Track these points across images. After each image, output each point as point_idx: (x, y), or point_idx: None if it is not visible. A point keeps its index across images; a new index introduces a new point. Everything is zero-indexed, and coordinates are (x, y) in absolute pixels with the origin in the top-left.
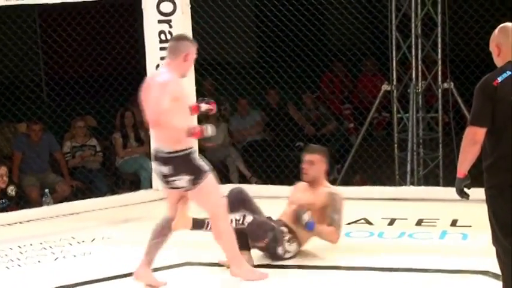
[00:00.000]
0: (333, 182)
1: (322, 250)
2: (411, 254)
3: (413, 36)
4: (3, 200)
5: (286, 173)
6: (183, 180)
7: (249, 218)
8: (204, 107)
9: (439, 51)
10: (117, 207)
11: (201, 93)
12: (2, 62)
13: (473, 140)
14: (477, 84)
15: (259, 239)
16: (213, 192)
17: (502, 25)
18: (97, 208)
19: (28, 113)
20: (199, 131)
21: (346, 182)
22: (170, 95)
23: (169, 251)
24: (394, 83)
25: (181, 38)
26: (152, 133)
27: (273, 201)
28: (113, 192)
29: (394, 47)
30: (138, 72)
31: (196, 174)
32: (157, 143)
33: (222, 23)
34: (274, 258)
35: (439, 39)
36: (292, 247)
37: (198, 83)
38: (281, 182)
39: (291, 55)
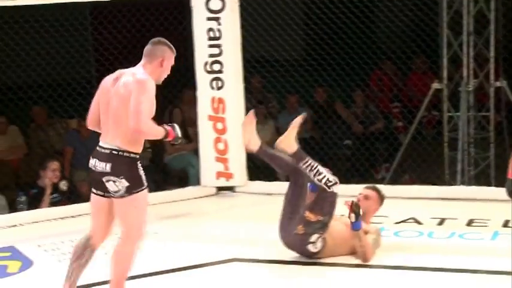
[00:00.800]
0: (381, 181)
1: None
2: (461, 255)
3: (465, 33)
4: (56, 195)
5: (333, 171)
6: (119, 183)
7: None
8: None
9: (492, 48)
10: (165, 203)
11: (248, 91)
12: (54, 59)
13: None
14: None
15: (317, 210)
16: (142, 211)
17: None
18: None
19: (79, 109)
20: (170, 130)
21: (394, 181)
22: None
23: (217, 247)
24: (445, 81)
25: (159, 42)
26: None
27: None
28: (161, 188)
29: (445, 45)
30: (187, 69)
31: (135, 183)
32: (110, 138)
33: (270, 20)
34: (299, 247)
35: (492, 37)
36: (319, 244)
37: (246, 80)
38: None
39: (340, 53)
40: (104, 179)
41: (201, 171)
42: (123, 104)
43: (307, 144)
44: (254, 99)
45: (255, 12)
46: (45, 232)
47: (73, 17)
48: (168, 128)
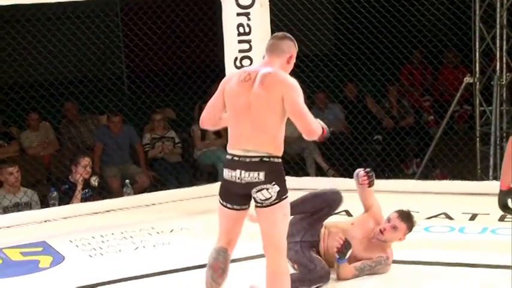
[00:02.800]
0: (412, 176)
1: (401, 245)
2: (493, 250)
3: (498, 26)
4: (87, 190)
5: (364, 166)
6: (271, 190)
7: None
8: None
9: None
10: (195, 198)
11: None
12: (85, 56)
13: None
14: None
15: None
16: (288, 220)
17: None
18: (176, 199)
19: (110, 105)
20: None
21: (425, 176)
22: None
23: (246, 243)
24: (477, 75)
25: (285, 37)
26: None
27: (349, 194)
28: (191, 184)
29: (477, 38)
30: (217, 65)
31: (284, 188)
32: (254, 145)
33: (300, 15)
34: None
35: None
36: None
37: None
38: None
39: (370, 47)
40: (256, 189)
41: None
42: (269, 107)
43: (337, 139)
44: None
45: (284, 7)
46: (77, 227)
47: (104, 13)
48: (323, 124)
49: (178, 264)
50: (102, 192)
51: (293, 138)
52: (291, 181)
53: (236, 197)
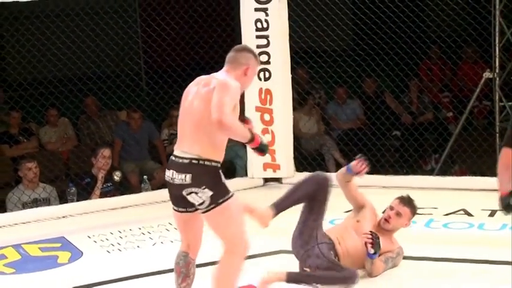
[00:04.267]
0: (430, 172)
1: (419, 240)
2: None
3: None
4: (108, 184)
5: (382, 162)
6: (202, 194)
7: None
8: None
9: None
10: None
11: (295, 81)
12: (103, 51)
13: (504, 164)
14: None
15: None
16: (236, 220)
17: None
18: None
19: (128, 101)
20: (257, 136)
21: (444, 172)
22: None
23: (264, 239)
24: (497, 70)
25: (244, 49)
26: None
27: (367, 190)
28: None
29: (497, 33)
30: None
31: (219, 192)
32: (187, 146)
33: (318, 10)
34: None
35: None
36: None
37: (293, 70)
38: (377, 171)
39: (388, 42)
40: (185, 191)
41: (248, 162)
42: (204, 104)
43: (355, 135)
44: (302, 90)
45: (302, 2)
46: (95, 223)
47: (122, 9)
48: (255, 132)
49: (196, 260)
50: (120, 187)
51: (311, 135)
52: None
53: (174, 198)
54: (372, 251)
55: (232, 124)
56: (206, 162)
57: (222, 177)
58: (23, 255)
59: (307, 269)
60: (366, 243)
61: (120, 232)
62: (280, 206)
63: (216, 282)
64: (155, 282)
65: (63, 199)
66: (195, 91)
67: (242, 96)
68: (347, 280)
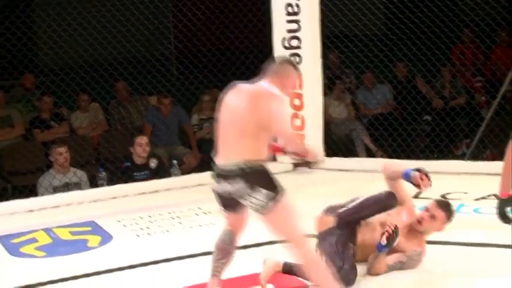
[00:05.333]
0: (462, 157)
1: (450, 225)
2: None
3: None
4: (144, 172)
5: (412, 147)
6: (259, 195)
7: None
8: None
9: None
10: None
11: (327, 66)
12: (134, 37)
13: None
14: None
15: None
16: (293, 217)
17: None
18: None
19: (158, 86)
20: (312, 153)
21: (475, 157)
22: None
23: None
24: None
25: (285, 61)
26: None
27: None
28: None
29: None
30: (265, 45)
31: (271, 188)
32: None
33: None
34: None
35: None
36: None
37: (324, 55)
38: (407, 156)
39: (420, 26)
40: (240, 199)
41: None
42: (249, 111)
43: (386, 119)
44: (332, 74)
45: None
46: (124, 207)
47: None
48: (310, 149)
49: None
50: (157, 176)
51: (340, 120)
52: (339, 162)
53: (226, 205)
54: (384, 242)
55: (292, 135)
56: (254, 164)
57: (272, 174)
58: (53, 239)
59: (317, 250)
60: (383, 232)
61: (149, 216)
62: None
63: (308, 271)
64: (184, 266)
65: (93, 183)
66: (235, 102)
67: None
68: (341, 280)
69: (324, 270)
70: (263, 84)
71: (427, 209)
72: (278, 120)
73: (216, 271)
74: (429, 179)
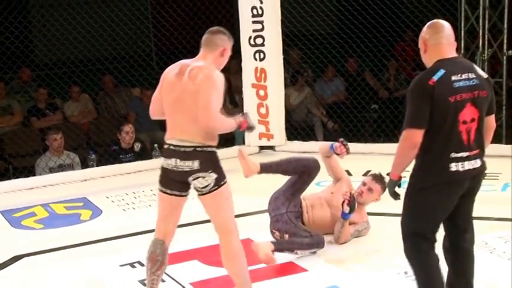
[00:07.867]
0: None
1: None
2: None
3: (481, 8)
4: (130, 155)
5: (362, 131)
6: (208, 177)
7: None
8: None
9: (505, 21)
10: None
11: (287, 62)
12: (119, 35)
13: (412, 144)
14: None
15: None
16: (232, 202)
17: (431, 21)
18: None
19: (140, 79)
20: (243, 122)
21: None
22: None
23: (260, 199)
24: (462, 51)
25: (218, 31)
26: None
27: (349, 156)
28: None
29: (462, 18)
30: (235, 42)
31: (222, 175)
32: (188, 135)
33: None
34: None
35: (506, 10)
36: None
37: (285, 52)
38: (358, 139)
39: (368, 26)
40: (192, 177)
41: (246, 132)
42: (196, 101)
43: (340, 108)
44: (292, 69)
45: None
46: (112, 185)
47: None
48: (240, 119)
49: (199, 218)
50: (140, 157)
51: (296, 106)
52: (299, 145)
53: (174, 182)
54: (347, 209)
55: (220, 125)
56: (209, 149)
57: (220, 160)
58: (50, 213)
59: (276, 232)
60: (343, 202)
61: (134, 193)
62: (267, 168)
63: (231, 264)
64: None
65: (84, 164)
66: (183, 84)
67: (239, 74)
68: (314, 245)
69: (245, 264)
70: (204, 65)
71: (363, 183)
72: (207, 114)
73: (153, 283)
74: (346, 147)
